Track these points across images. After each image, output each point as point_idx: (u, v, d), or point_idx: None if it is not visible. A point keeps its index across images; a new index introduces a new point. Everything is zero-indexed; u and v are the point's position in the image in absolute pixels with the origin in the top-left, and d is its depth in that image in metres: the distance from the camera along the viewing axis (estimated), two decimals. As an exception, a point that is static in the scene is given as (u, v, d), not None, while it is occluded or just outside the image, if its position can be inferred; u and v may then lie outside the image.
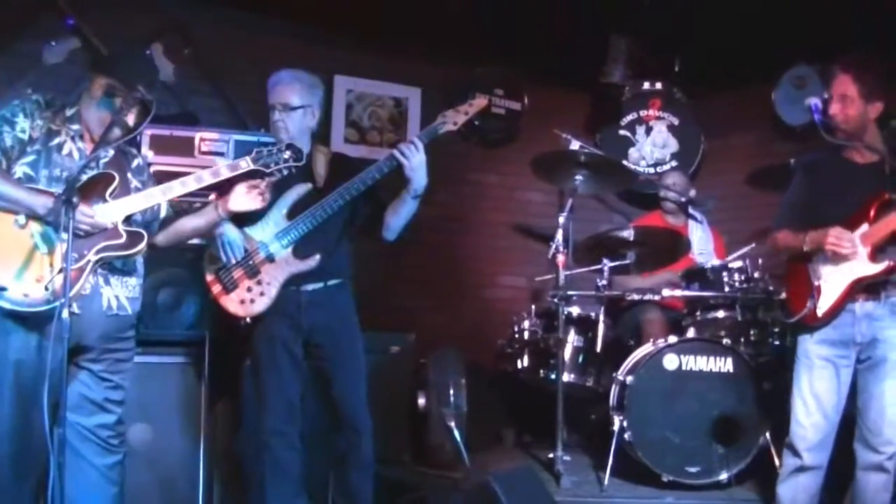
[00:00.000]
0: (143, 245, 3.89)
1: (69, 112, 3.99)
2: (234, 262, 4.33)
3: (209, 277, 4.38)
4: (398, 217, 4.55)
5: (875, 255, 4.24)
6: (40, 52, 5.82)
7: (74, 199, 3.55)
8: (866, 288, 4.29)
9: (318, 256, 4.38)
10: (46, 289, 3.66)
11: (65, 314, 3.42)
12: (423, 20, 6.57)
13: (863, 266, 4.25)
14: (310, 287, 4.44)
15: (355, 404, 4.49)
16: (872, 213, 4.25)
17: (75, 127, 3.97)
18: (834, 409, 4.39)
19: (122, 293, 3.97)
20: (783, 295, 4.69)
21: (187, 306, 5.12)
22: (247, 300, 4.33)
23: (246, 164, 4.08)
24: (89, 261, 3.75)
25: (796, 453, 4.46)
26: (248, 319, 4.34)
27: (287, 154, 4.15)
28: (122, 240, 3.85)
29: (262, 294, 4.33)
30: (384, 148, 6.81)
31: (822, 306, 4.35)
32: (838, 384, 4.38)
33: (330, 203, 4.37)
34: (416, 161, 4.38)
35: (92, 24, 5.94)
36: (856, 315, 4.32)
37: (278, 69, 4.77)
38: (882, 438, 4.25)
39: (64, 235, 3.57)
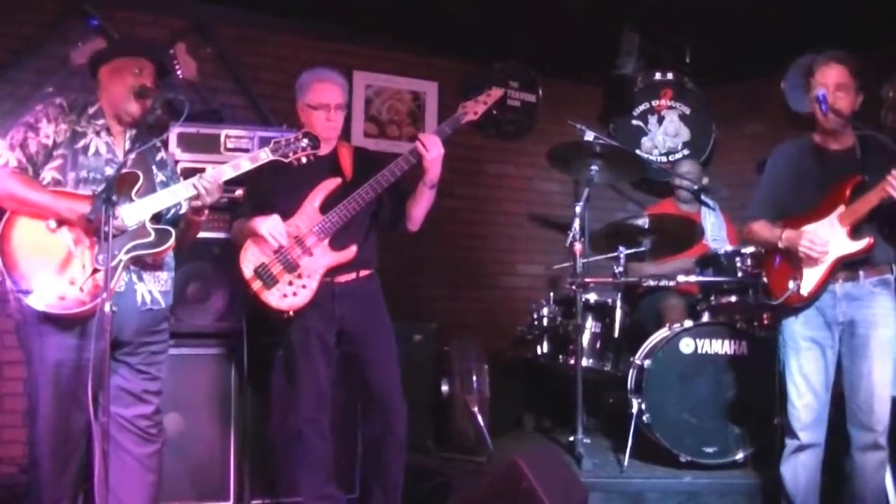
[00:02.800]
0: (171, 242, 3.95)
1: (91, 110, 4.04)
2: (284, 245, 4.39)
3: (248, 275, 4.42)
4: (419, 207, 4.66)
5: (853, 234, 4.37)
6: (67, 54, 5.88)
7: (114, 198, 3.63)
8: (846, 267, 4.41)
9: (354, 247, 4.47)
10: (81, 290, 3.73)
11: (107, 308, 3.49)
12: (439, 15, 6.61)
13: (844, 244, 4.38)
14: (342, 279, 4.52)
15: (390, 387, 4.58)
16: (847, 193, 4.38)
17: (100, 122, 4.02)
18: (823, 387, 4.50)
19: (154, 288, 4.04)
20: (764, 279, 4.74)
21: (216, 299, 5.17)
22: (289, 294, 4.39)
23: (265, 156, 4.12)
24: (120, 260, 3.80)
25: (793, 434, 4.56)
26: (290, 313, 4.39)
27: (305, 142, 4.19)
28: (151, 238, 3.89)
29: (303, 287, 4.40)
30: (403, 141, 6.91)
31: (806, 286, 4.45)
32: (825, 363, 4.49)
33: (362, 195, 4.44)
34: (435, 153, 4.48)
35: (117, 25, 6.03)
36: (836, 296, 4.44)
37: (299, 66, 4.88)
38: (875, 416, 4.36)
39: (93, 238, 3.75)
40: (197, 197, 3.97)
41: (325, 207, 4.49)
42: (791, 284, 4.45)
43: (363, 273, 4.60)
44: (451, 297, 7.18)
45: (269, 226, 4.39)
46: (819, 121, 4.47)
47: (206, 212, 4.14)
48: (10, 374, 5.63)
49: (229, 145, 5.30)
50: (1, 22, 5.85)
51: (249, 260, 4.45)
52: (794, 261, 4.49)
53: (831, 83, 4.39)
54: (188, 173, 4.30)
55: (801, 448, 4.53)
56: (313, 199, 4.51)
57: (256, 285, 4.40)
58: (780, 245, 4.51)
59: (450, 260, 7.21)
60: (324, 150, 4.62)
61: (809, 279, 4.43)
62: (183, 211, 4.17)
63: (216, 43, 6.47)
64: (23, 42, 5.90)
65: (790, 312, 4.55)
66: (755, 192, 4.89)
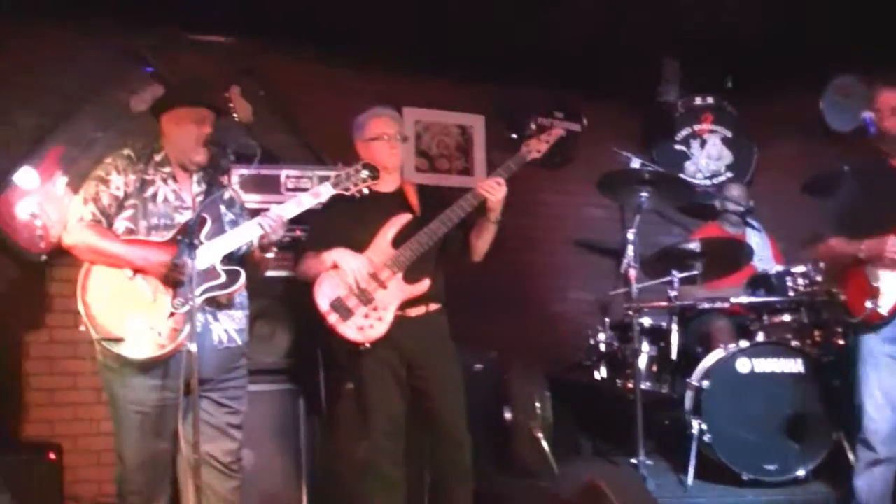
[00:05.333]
0: (241, 282, 4.01)
1: (158, 157, 4.13)
2: (362, 286, 4.45)
3: (324, 308, 4.48)
4: (482, 240, 4.76)
5: None
6: (127, 101, 5.97)
7: (196, 242, 3.76)
8: None
9: (427, 281, 4.56)
10: (159, 334, 3.82)
11: (192, 348, 3.59)
12: (483, 49, 6.67)
13: None
14: (413, 312, 4.60)
15: (457, 420, 4.65)
16: None
17: (167, 170, 4.11)
18: None
19: (230, 326, 4.10)
20: (843, 297, 4.74)
21: (282, 335, 5.24)
22: (365, 326, 4.46)
23: (327, 190, 4.18)
24: (195, 302, 3.81)
25: (870, 447, 4.59)
26: (367, 345, 4.45)
27: (365, 173, 4.24)
28: (222, 279, 3.95)
29: (379, 319, 4.47)
30: (454, 175, 7.08)
31: (885, 305, 4.49)
32: None
33: (434, 230, 4.55)
34: (500, 195, 4.62)
35: (172, 69, 6.11)
36: None
37: (348, 103, 5.13)
38: None
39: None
40: (263, 236, 4.04)
41: (397, 242, 4.58)
42: (868, 304, 4.47)
43: (433, 307, 4.68)
44: (505, 325, 7.16)
45: (355, 266, 4.49)
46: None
47: (275, 249, 4.22)
48: (83, 414, 5.71)
49: (289, 185, 5.41)
50: (61, 70, 5.97)
51: (324, 293, 4.51)
52: (871, 279, 4.52)
53: (887, 108, 4.45)
54: (251, 214, 4.34)
55: (877, 462, 4.58)
56: (386, 233, 4.59)
57: (332, 318, 4.46)
58: (862, 255, 4.53)
59: (503, 289, 7.23)
60: (390, 186, 4.74)
61: (888, 298, 4.47)
62: (254, 246, 4.20)
63: (265, 83, 6.55)
64: (83, 90, 6.01)
65: (869, 329, 4.59)
66: (797, 208, 4.91)
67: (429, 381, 4.63)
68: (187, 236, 3.74)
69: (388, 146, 4.72)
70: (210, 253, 3.93)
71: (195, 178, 4.17)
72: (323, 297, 4.50)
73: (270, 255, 4.23)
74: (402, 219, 4.63)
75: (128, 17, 5.89)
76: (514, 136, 7.13)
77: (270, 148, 6.18)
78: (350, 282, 4.46)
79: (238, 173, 5.20)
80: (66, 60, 5.96)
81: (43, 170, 5.61)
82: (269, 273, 4.78)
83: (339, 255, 4.52)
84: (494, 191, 4.60)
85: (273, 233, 4.03)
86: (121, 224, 3.96)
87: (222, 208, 4.20)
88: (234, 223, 4.17)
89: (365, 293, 4.48)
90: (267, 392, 5.18)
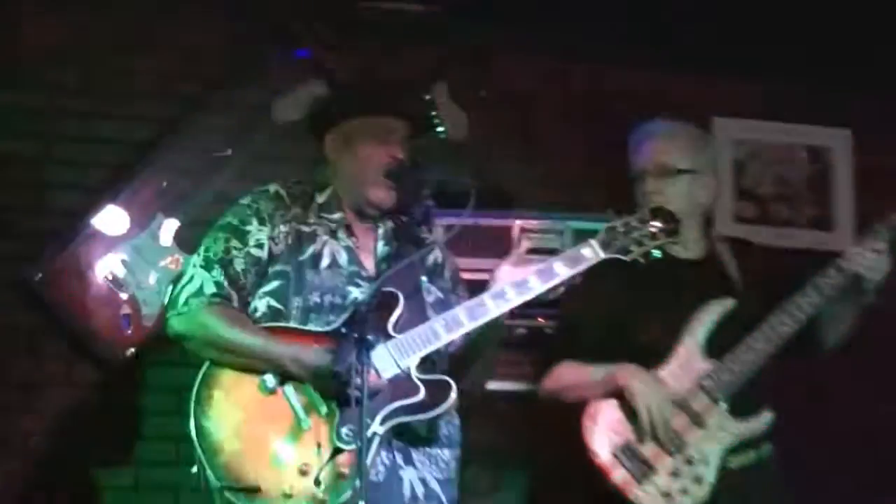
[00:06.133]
0: (452, 400, 3.83)
1: (321, 198, 4.11)
2: (660, 431, 4.33)
3: (604, 458, 4.39)
4: (844, 325, 4.63)
5: None
6: (266, 105, 6.04)
7: (370, 337, 3.63)
8: None
9: (769, 414, 4.37)
10: (317, 483, 3.69)
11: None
12: (843, 34, 6.47)
13: None
14: (736, 461, 4.42)
15: None
16: None
17: (335, 217, 4.08)
18: None
19: (429, 474, 4.01)
20: None
21: (509, 488, 5.16)
22: (674, 492, 4.35)
23: (592, 254, 3.96)
24: (375, 433, 3.73)
25: None
26: None
27: (656, 226, 4.04)
28: (420, 395, 3.82)
29: (696, 480, 4.36)
30: (802, 229, 6.86)
31: None
32: None
33: (775, 329, 4.38)
34: (883, 273, 4.40)
35: (342, 59, 6.13)
36: None
37: (630, 114, 4.97)
38: None
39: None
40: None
41: (714, 347, 4.43)
42: None
43: (764, 449, 4.50)
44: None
45: (656, 402, 4.36)
46: None
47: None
48: None
49: (525, 242, 5.28)
50: (160, 58, 6.13)
51: (604, 434, 4.45)
52: None
53: None
54: (469, 289, 4.24)
55: None
56: (695, 332, 4.47)
57: (619, 475, 4.37)
58: None
59: (879, 424, 6.92)
60: (693, 249, 4.67)
61: None
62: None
63: (489, 79, 6.57)
64: (195, 88, 6.13)
65: None
66: None
67: None
68: (359, 325, 3.64)
69: (653, 187, 4.58)
70: (403, 353, 3.82)
71: (381, 230, 4.13)
72: (602, 440, 4.43)
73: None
74: (720, 308, 4.47)
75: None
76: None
77: (495, 183, 6.14)
78: (646, 422, 4.35)
79: (444, 223, 5.13)
80: (167, 41, 6.10)
81: (134, 211, 5.69)
82: (490, 385, 4.71)
83: (628, 379, 4.41)
84: (875, 267, 4.38)
85: None
86: (261, 303, 3.96)
87: (423, 280, 4.16)
88: (443, 304, 4.11)
89: (673, 438, 4.35)
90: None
